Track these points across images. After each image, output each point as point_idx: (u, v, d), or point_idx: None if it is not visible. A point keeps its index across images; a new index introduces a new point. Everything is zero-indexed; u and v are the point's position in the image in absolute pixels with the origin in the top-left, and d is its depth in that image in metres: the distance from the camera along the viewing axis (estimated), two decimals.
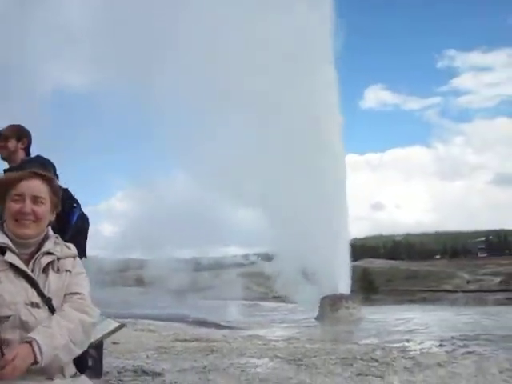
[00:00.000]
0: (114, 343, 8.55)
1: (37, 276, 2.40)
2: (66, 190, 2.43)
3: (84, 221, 2.47)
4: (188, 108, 40.10)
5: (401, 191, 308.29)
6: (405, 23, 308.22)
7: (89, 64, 55.01)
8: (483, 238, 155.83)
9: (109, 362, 6.78)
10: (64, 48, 56.60)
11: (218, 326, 19.16)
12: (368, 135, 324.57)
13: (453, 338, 11.32)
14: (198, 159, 38.50)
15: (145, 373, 6.30)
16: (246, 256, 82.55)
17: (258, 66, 32.13)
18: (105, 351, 7.10)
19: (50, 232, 2.58)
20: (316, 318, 21.37)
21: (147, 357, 7.73)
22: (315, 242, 26.36)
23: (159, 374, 6.27)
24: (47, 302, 2.38)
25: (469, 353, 8.49)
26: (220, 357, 7.81)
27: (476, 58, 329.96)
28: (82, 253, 2.36)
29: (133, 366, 6.72)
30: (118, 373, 6.20)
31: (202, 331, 15.31)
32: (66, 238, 2.47)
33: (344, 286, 24.42)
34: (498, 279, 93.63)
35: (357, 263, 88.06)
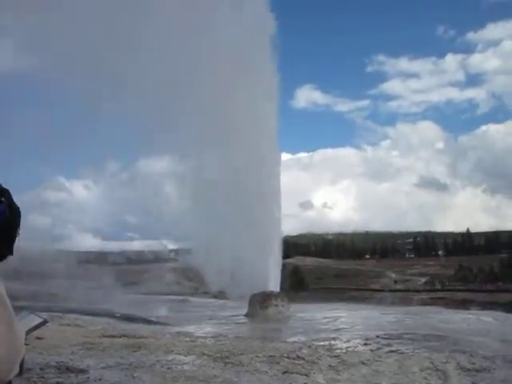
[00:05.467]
0: (39, 338, 8.34)
1: None
2: None
3: (14, 216, 2.32)
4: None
5: (330, 190, 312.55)
6: (336, 27, 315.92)
7: None
8: (411, 239, 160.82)
9: (32, 358, 6.62)
10: None
11: (147, 322, 19.01)
12: (299, 135, 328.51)
13: (377, 336, 11.62)
14: None
15: (68, 370, 6.18)
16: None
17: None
18: (28, 347, 6.93)
19: None
20: (245, 315, 21.50)
21: (72, 353, 7.58)
22: (247, 239, 26.53)
23: (83, 371, 6.17)
24: None
25: (392, 351, 8.73)
26: (147, 353, 7.74)
27: (403, 64, 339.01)
28: (9, 251, 2.26)
29: (56, 362, 6.58)
30: (41, 369, 6.06)
31: (130, 327, 15.15)
32: None
33: (274, 283, 24.67)
34: (423, 279, 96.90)
35: (288, 260, 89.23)
